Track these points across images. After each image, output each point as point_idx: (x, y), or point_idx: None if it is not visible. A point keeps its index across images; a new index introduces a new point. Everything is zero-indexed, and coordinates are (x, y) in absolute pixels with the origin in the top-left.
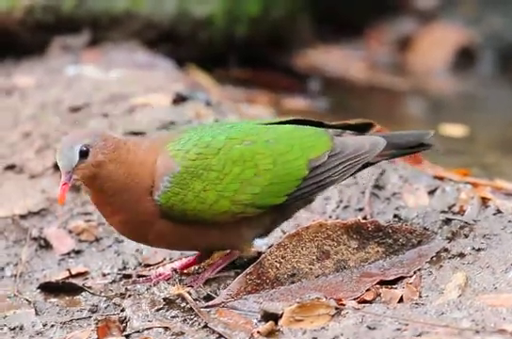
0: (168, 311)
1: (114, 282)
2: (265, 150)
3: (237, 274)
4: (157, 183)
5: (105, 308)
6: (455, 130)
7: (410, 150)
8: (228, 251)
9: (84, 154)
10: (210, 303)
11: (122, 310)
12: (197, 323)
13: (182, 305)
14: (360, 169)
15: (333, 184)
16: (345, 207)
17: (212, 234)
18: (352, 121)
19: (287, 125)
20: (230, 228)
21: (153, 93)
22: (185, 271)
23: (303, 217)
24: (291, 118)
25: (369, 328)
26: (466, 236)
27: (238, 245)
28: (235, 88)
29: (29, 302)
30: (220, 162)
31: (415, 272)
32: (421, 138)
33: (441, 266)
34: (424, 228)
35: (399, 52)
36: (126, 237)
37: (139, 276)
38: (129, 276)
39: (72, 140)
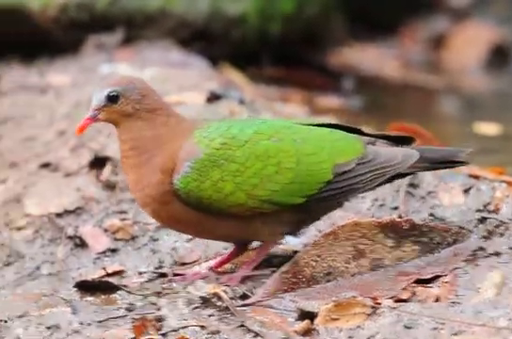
0: (204, 309)
1: (150, 280)
2: (291, 148)
3: (273, 273)
4: (178, 166)
5: (142, 307)
6: (489, 128)
7: (444, 165)
8: (258, 247)
9: (112, 99)
10: (246, 302)
11: (158, 308)
12: (233, 322)
13: (218, 304)
14: (389, 180)
15: (359, 191)
16: (381, 206)
17: (228, 226)
18: (391, 133)
19: (321, 128)
20: (246, 221)
21: (187, 92)
22: (221, 269)
23: (338, 216)
24: (328, 121)
25: (405, 327)
26: (501, 235)
27: (262, 238)
28: (269, 86)
29: (65, 301)
30: (244, 155)
31: (451, 271)
32: (456, 155)
33: (477, 265)
34: (460, 227)
35: (433, 50)
36: (144, 210)
37: (175, 275)
38: (165, 275)
39: (110, 83)
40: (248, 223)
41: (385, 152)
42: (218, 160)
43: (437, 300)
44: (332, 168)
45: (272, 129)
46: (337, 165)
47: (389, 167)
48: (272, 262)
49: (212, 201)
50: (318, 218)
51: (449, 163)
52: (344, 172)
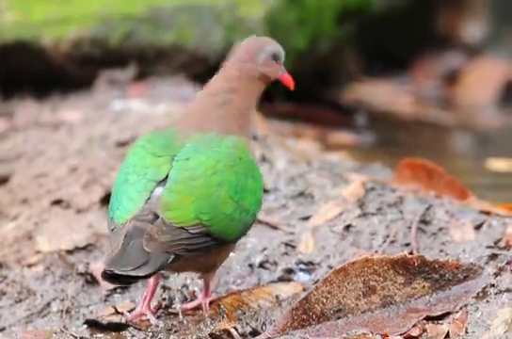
0: None
1: (160, 317)
2: None
3: (282, 308)
4: None
5: None
6: (501, 164)
7: None
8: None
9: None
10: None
11: None
12: None
13: None
14: None
15: None
16: (392, 242)
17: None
18: None
19: None
20: None
21: None
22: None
23: (349, 253)
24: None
25: None
26: None
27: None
28: (281, 122)
29: (75, 338)
30: None
31: (461, 308)
32: None
33: (488, 302)
34: (471, 263)
35: (446, 86)
36: None
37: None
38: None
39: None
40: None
41: None
42: None
43: (447, 337)
44: None
45: None
46: None
47: None
48: (280, 297)
49: None
50: None
51: None
52: None
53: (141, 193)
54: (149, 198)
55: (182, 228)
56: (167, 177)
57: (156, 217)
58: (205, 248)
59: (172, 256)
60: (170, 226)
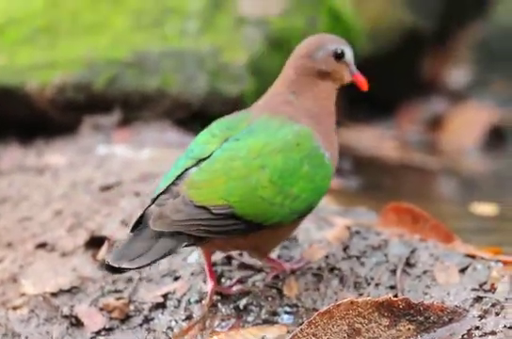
0: None
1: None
2: None
3: None
4: None
5: None
6: (486, 209)
7: None
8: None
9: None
10: None
11: None
12: None
13: None
14: None
15: None
16: (377, 285)
17: None
18: None
19: None
20: None
21: None
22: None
23: (334, 296)
24: None
25: None
26: (497, 314)
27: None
28: None
29: None
30: None
31: None
32: None
33: None
34: (456, 306)
35: (430, 131)
36: None
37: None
38: None
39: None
40: None
41: None
42: None
43: None
44: None
45: None
46: None
47: None
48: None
49: None
50: None
51: None
52: None
53: (177, 170)
54: (180, 175)
55: (203, 208)
56: (209, 156)
57: (177, 195)
58: (235, 230)
59: (184, 243)
60: (190, 205)
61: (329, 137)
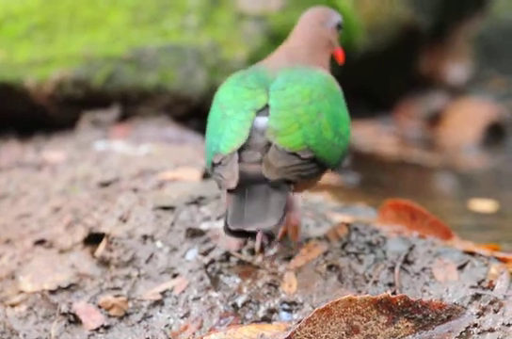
0: None
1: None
2: None
3: None
4: None
5: None
6: (484, 206)
7: None
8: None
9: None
10: None
11: None
12: None
13: None
14: None
15: None
16: (375, 282)
17: None
18: None
19: None
20: None
21: (183, 168)
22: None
23: (332, 293)
24: None
25: None
26: (496, 311)
27: None
28: None
29: None
30: None
31: None
32: None
33: None
34: (454, 303)
35: (429, 127)
36: None
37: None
38: None
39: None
40: None
41: None
42: None
43: None
44: None
45: None
46: None
47: None
48: (264, 337)
49: None
50: None
51: None
52: None
53: (243, 123)
54: (252, 126)
55: (294, 154)
56: (266, 107)
57: (268, 144)
58: (313, 174)
59: (289, 190)
60: (284, 152)
61: None
